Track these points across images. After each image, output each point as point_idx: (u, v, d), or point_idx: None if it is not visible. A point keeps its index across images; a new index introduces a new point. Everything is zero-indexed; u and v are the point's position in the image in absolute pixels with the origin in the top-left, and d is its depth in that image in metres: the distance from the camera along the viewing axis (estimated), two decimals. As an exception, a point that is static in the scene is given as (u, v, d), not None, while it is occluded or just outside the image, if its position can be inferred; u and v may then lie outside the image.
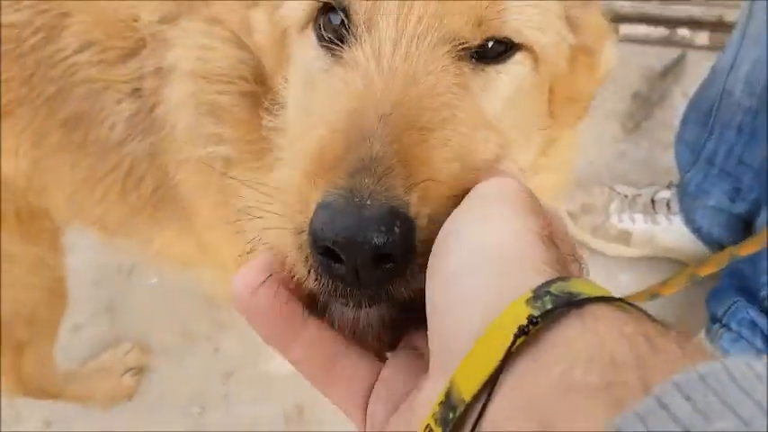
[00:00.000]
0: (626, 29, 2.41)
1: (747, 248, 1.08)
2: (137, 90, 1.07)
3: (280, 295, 0.49)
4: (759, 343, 1.57)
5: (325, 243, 0.47)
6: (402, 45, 0.60)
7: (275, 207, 0.55)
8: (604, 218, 1.89)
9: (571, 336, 0.37)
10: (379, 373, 0.50)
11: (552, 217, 0.49)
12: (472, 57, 0.64)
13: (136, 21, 1.04)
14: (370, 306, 0.51)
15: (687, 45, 2.42)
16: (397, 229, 0.48)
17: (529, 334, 0.37)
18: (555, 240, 0.46)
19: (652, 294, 1.10)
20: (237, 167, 0.95)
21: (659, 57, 2.38)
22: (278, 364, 1.76)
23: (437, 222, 0.48)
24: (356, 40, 0.62)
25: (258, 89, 0.89)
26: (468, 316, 0.41)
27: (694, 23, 2.44)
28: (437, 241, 0.46)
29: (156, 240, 1.24)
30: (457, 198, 0.50)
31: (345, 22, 0.64)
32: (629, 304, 0.40)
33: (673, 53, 2.40)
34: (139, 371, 1.79)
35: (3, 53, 1.05)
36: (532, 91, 0.70)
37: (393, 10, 0.61)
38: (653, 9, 2.43)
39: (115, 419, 1.74)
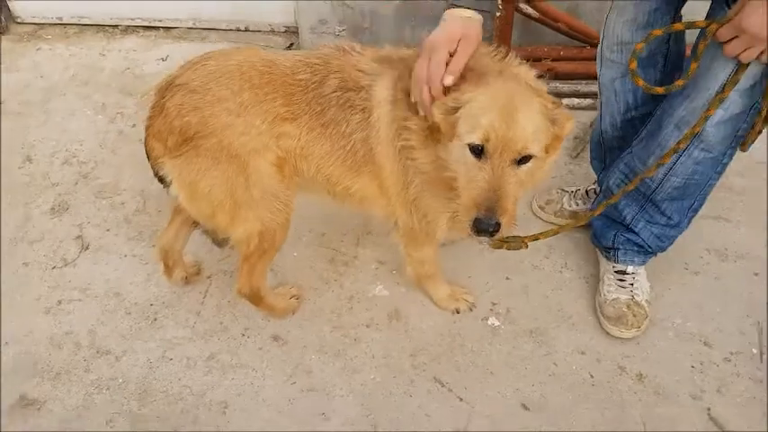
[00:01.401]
0: (567, 101, 3.34)
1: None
2: (364, 109, 1.90)
3: None
4: (634, 249, 2.47)
5: (476, 226, 1.71)
6: (499, 163, 1.68)
7: (462, 209, 1.78)
8: (560, 206, 2.88)
9: None
10: None
11: None
12: (518, 162, 1.70)
13: (362, 80, 1.93)
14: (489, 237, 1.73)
15: (604, 109, 3.32)
16: (495, 226, 1.70)
17: None
18: None
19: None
20: (410, 151, 1.90)
21: (587, 116, 3.35)
22: (379, 289, 2.68)
23: (507, 221, 1.71)
24: (485, 158, 1.70)
25: (425, 123, 1.82)
26: None
27: (608, 96, 3.35)
28: None
29: (354, 186, 2.06)
30: (512, 211, 1.74)
31: (481, 148, 1.71)
32: None
33: (595, 113, 3.10)
34: (299, 297, 2.59)
35: (299, 92, 1.89)
36: (538, 165, 1.75)
37: (497, 149, 1.67)
38: (583, 88, 3.40)
39: (288, 325, 2.54)
